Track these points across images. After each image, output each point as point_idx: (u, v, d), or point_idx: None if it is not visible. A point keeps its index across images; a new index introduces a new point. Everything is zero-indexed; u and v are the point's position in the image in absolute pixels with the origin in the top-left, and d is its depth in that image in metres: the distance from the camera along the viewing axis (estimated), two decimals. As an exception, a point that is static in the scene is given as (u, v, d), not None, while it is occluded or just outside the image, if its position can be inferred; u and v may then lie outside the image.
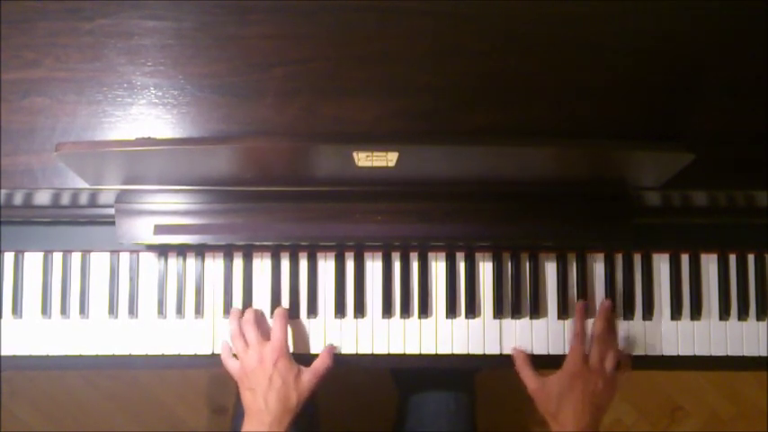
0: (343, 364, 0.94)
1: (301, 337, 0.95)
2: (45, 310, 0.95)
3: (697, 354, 0.96)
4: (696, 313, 0.96)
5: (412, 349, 0.95)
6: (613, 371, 0.88)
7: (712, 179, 0.84)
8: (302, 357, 0.93)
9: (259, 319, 0.93)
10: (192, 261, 0.96)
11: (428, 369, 0.99)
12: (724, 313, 0.96)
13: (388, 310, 0.95)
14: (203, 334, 0.95)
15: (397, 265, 0.96)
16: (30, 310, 0.96)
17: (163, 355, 0.95)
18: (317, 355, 0.93)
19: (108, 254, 0.96)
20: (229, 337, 0.92)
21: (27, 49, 0.84)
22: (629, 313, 0.96)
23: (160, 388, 1.66)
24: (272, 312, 0.95)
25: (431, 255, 0.96)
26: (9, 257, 0.96)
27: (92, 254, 0.96)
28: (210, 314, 0.96)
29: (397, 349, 0.96)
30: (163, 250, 0.96)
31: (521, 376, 0.91)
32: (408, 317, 0.96)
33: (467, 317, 0.96)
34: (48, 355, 0.95)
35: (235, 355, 0.92)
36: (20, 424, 1.65)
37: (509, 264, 0.97)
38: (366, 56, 0.84)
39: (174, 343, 0.95)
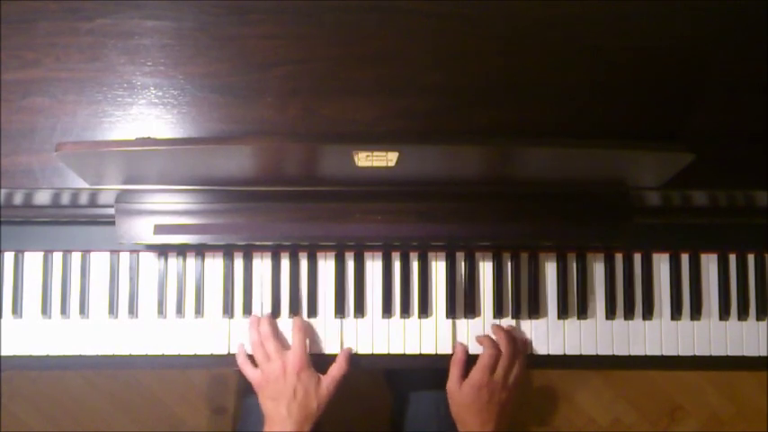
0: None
1: (301, 337, 0.95)
2: (45, 310, 0.95)
3: (697, 354, 0.96)
4: (696, 313, 0.96)
5: (412, 349, 0.95)
6: (516, 382, 0.92)
7: (712, 179, 0.84)
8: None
9: (275, 327, 0.94)
10: (192, 261, 0.96)
11: (421, 369, 1.00)
12: (724, 313, 0.96)
13: (388, 310, 0.95)
14: (203, 334, 0.95)
15: (397, 265, 0.96)
16: (30, 310, 0.96)
17: (163, 355, 0.96)
18: (317, 355, 0.93)
19: (108, 254, 0.96)
20: (250, 346, 0.93)
21: (27, 49, 0.84)
22: (629, 313, 0.96)
23: (160, 388, 1.66)
24: (273, 313, 0.95)
25: (431, 255, 0.97)
26: (9, 257, 0.96)
27: (92, 254, 0.96)
28: (210, 314, 0.96)
29: (397, 349, 0.96)
30: (163, 250, 0.96)
31: (450, 370, 0.93)
32: (408, 317, 0.96)
33: (467, 317, 0.96)
34: (48, 355, 0.95)
35: (251, 360, 0.93)
36: (20, 424, 1.65)
37: (509, 264, 0.97)
38: (366, 56, 0.84)
39: (174, 343, 0.95)
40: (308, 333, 0.94)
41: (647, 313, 0.96)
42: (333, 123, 0.83)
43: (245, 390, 1.13)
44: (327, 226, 0.87)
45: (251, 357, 0.94)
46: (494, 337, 0.94)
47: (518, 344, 0.94)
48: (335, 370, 0.92)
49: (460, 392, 0.91)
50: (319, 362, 0.93)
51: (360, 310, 0.96)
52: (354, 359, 0.95)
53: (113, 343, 0.95)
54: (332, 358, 0.94)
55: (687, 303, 0.97)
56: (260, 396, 0.92)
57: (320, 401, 0.90)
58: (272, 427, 0.89)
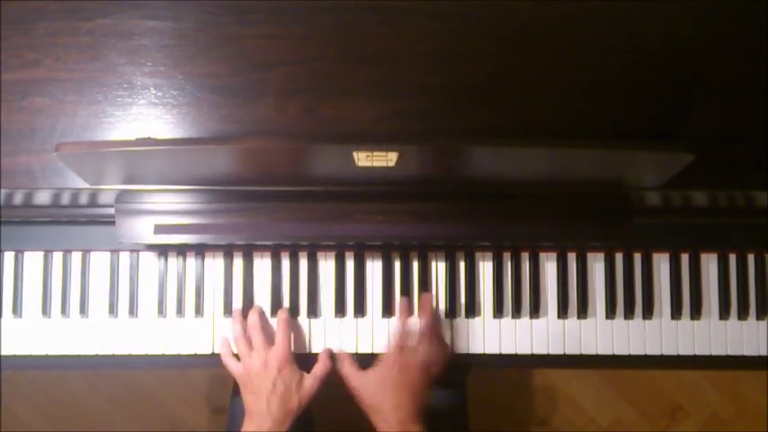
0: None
1: (301, 336, 0.95)
2: (45, 309, 0.95)
3: (697, 353, 0.96)
4: (696, 313, 0.96)
5: (412, 349, 0.95)
6: (429, 360, 0.89)
7: (712, 179, 0.84)
8: (302, 357, 0.93)
9: (262, 320, 0.93)
10: (192, 261, 0.96)
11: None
12: (724, 313, 0.96)
13: (388, 310, 0.95)
14: (203, 334, 0.95)
15: (397, 265, 0.96)
16: (30, 310, 0.96)
17: (163, 355, 0.96)
18: (316, 354, 0.93)
19: (108, 253, 0.96)
20: (232, 339, 0.93)
21: (27, 49, 0.84)
22: (629, 313, 0.96)
23: (160, 388, 1.66)
24: (272, 312, 0.95)
25: (431, 255, 0.96)
26: (9, 257, 0.96)
27: (92, 253, 0.96)
28: (210, 314, 0.96)
29: (397, 349, 0.96)
30: (163, 250, 0.96)
31: (342, 375, 0.92)
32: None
33: (467, 316, 0.96)
34: (48, 355, 0.95)
35: (236, 356, 0.92)
36: (20, 424, 1.65)
37: (509, 264, 0.97)
38: (366, 56, 0.84)
39: (174, 343, 0.95)
40: (296, 331, 0.94)
41: (647, 313, 0.96)
42: (333, 123, 0.84)
43: (235, 388, 1.13)
44: (327, 226, 0.87)
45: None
46: (400, 320, 0.92)
47: (437, 325, 0.93)
48: (318, 369, 0.91)
49: (366, 376, 0.89)
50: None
51: (360, 309, 0.96)
52: (355, 359, 0.95)
53: (113, 343, 0.95)
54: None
55: (687, 303, 0.97)
56: (242, 390, 0.91)
57: (301, 399, 0.89)
58: (251, 421, 0.88)
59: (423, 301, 0.94)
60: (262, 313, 0.94)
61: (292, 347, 0.93)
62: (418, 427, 0.86)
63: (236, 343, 0.92)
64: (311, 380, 0.90)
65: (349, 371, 0.91)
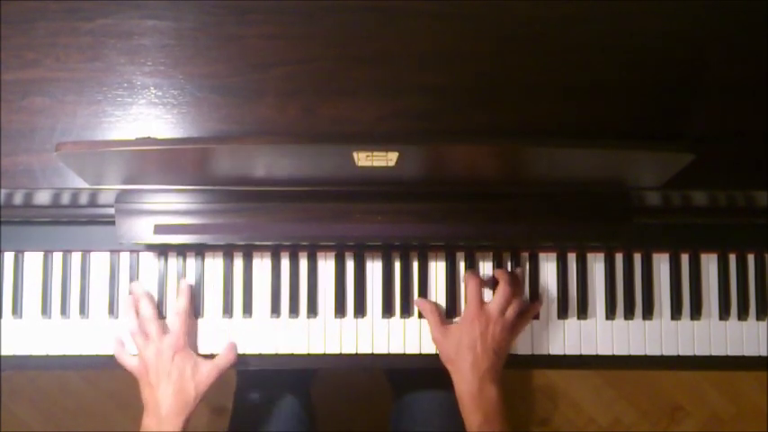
0: (343, 365, 0.94)
1: (301, 336, 0.95)
2: (45, 310, 0.95)
3: (697, 354, 0.96)
4: (696, 313, 0.96)
5: (412, 349, 0.95)
6: (513, 318, 0.89)
7: (712, 179, 0.84)
8: (302, 357, 0.93)
9: (156, 309, 0.92)
10: (191, 261, 0.96)
11: (421, 369, 1.00)
12: (724, 313, 0.96)
13: (388, 310, 0.95)
14: (203, 334, 0.95)
15: (397, 265, 0.96)
16: (30, 310, 0.96)
17: (163, 355, 0.95)
18: (316, 355, 0.93)
19: (108, 254, 0.96)
20: (129, 334, 0.91)
21: (27, 49, 0.84)
22: (629, 313, 0.96)
23: (160, 388, 1.65)
24: (271, 311, 0.95)
25: (431, 255, 0.96)
26: (9, 257, 0.96)
27: (92, 254, 0.96)
28: (210, 314, 0.96)
29: (397, 349, 0.96)
30: (163, 250, 0.96)
31: (428, 322, 0.92)
32: (409, 317, 0.96)
33: (467, 317, 0.96)
34: (48, 355, 0.95)
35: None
36: (20, 424, 1.65)
37: (509, 264, 0.97)
38: (366, 56, 0.84)
39: (174, 343, 0.95)
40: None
41: (647, 313, 0.96)
42: (333, 123, 0.84)
43: (238, 389, 1.13)
44: (327, 226, 0.87)
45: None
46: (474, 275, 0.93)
47: (518, 284, 0.93)
48: (221, 358, 0.90)
49: (448, 332, 0.89)
50: (320, 362, 0.93)
51: (360, 309, 0.96)
52: (355, 359, 0.95)
53: (113, 343, 0.95)
54: (333, 358, 0.94)
55: (687, 303, 0.97)
56: (140, 385, 0.89)
57: (198, 387, 0.87)
58: (148, 415, 0.87)
59: (497, 272, 0.93)
60: (154, 303, 0.92)
61: (291, 347, 0.92)
62: (495, 386, 0.85)
63: (133, 338, 0.90)
64: (208, 367, 0.88)
65: (435, 320, 0.90)
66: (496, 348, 0.87)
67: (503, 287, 0.90)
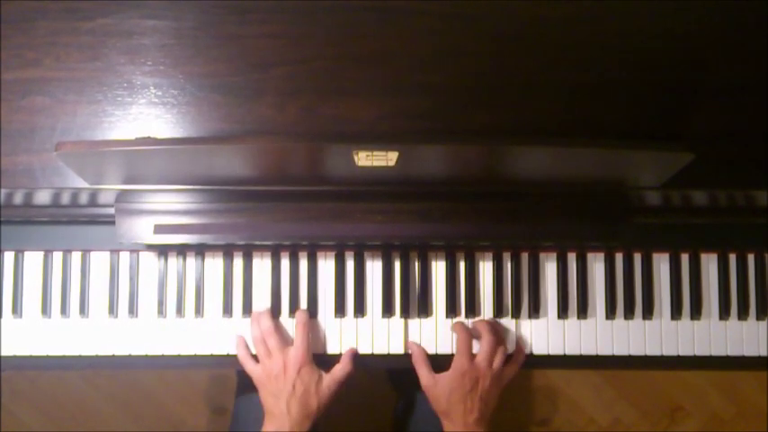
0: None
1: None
2: (45, 309, 0.95)
3: (697, 354, 0.96)
4: (696, 313, 0.96)
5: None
6: (500, 367, 0.91)
7: (712, 179, 0.84)
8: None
9: (276, 322, 0.94)
10: (191, 261, 0.96)
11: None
12: (724, 313, 0.96)
13: (388, 310, 0.95)
14: (203, 334, 0.95)
15: (397, 265, 0.96)
16: (30, 310, 0.96)
17: (163, 355, 0.95)
18: (317, 355, 0.93)
19: (108, 253, 0.96)
20: (251, 341, 0.93)
21: (27, 48, 0.84)
22: (629, 313, 0.96)
23: (160, 388, 1.66)
24: (271, 310, 0.95)
25: (431, 255, 0.96)
26: (9, 257, 0.96)
27: (92, 253, 0.96)
28: (210, 314, 0.96)
29: (397, 349, 0.96)
30: (163, 250, 0.96)
31: (416, 371, 0.93)
32: (408, 317, 0.96)
33: (467, 316, 0.96)
34: (48, 355, 0.95)
35: (254, 356, 0.93)
36: (20, 424, 1.65)
37: (509, 264, 0.97)
38: (366, 56, 0.84)
39: (174, 343, 0.95)
40: (311, 331, 0.94)
41: (647, 313, 0.96)
42: (333, 123, 0.84)
43: (239, 389, 1.13)
44: (327, 226, 0.87)
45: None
46: (463, 328, 0.93)
47: (499, 333, 0.94)
48: (338, 370, 0.92)
49: (439, 384, 0.90)
50: (320, 361, 0.93)
51: (360, 309, 0.96)
52: (357, 359, 0.95)
53: (113, 343, 0.95)
54: (332, 358, 0.94)
55: (687, 303, 0.97)
56: (261, 392, 0.91)
57: (321, 400, 0.90)
58: (272, 422, 0.89)
59: (478, 324, 0.94)
60: (273, 317, 0.94)
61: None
62: (485, 429, 0.88)
63: (256, 345, 0.93)
64: (329, 381, 0.91)
65: (423, 371, 0.92)
66: (486, 399, 0.90)
67: (486, 337, 0.91)
